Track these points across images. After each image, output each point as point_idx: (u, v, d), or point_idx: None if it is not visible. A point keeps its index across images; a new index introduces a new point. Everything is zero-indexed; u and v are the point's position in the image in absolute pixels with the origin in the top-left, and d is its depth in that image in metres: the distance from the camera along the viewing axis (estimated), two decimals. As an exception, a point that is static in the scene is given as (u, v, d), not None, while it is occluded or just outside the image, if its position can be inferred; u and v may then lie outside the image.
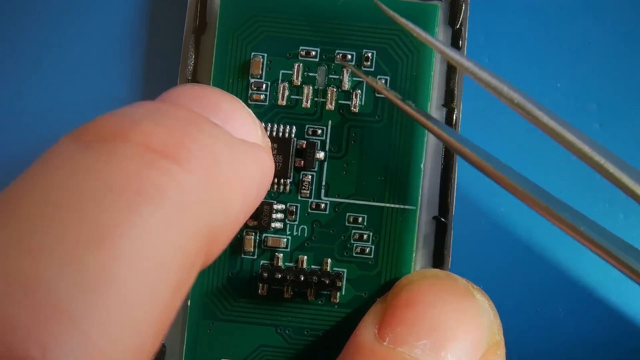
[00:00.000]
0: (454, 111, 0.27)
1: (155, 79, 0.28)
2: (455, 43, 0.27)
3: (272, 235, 0.27)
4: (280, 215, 0.27)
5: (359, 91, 0.27)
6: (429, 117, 0.25)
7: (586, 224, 0.22)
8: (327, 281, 0.26)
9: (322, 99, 0.27)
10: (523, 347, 0.28)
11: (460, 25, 0.27)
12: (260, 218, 0.26)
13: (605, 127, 0.28)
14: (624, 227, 0.28)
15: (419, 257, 0.27)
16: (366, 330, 0.24)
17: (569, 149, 0.22)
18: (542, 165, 0.28)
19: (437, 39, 0.24)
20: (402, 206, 0.27)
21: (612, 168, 0.22)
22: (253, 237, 0.27)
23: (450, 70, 0.27)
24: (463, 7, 0.27)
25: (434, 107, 0.27)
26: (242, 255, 0.27)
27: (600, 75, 0.28)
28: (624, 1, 0.28)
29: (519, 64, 0.28)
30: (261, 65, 0.27)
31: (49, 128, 0.28)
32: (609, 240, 0.22)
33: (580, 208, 0.27)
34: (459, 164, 0.27)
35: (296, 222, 0.27)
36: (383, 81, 0.26)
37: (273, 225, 0.26)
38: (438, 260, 0.27)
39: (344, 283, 0.26)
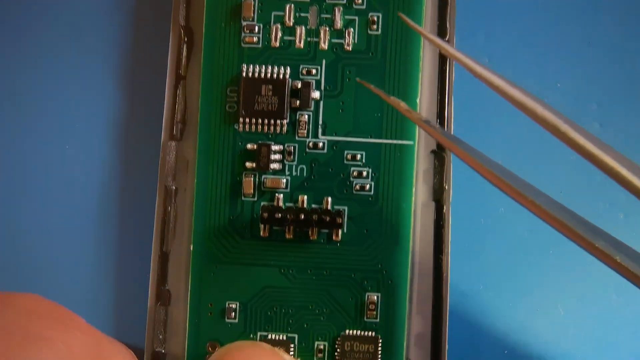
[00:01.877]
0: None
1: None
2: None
3: (271, 176, 0.27)
4: (278, 156, 0.27)
5: (352, 29, 0.27)
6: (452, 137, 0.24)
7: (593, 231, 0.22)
8: (328, 219, 0.26)
9: (315, 39, 0.27)
10: (523, 346, 0.28)
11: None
12: (258, 159, 0.26)
13: (605, 127, 0.28)
14: (624, 227, 0.28)
15: (418, 191, 0.27)
16: None
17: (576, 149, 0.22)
18: (542, 166, 0.28)
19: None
20: (399, 141, 0.27)
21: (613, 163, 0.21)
22: (252, 179, 0.27)
23: (442, 5, 0.27)
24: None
25: (427, 44, 0.27)
26: (242, 198, 0.27)
27: (600, 75, 0.28)
28: (624, 1, 0.28)
29: (519, 64, 0.28)
30: (253, 8, 0.27)
31: (40, 121, 0.28)
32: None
33: (580, 208, 0.27)
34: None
35: (294, 162, 0.27)
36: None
37: (271, 166, 0.27)
38: (438, 194, 0.27)
39: (345, 220, 0.26)
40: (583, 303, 0.28)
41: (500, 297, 0.28)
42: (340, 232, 0.26)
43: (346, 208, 0.27)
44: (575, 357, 0.27)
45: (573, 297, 0.28)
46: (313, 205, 0.27)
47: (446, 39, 0.27)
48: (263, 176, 0.27)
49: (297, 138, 0.27)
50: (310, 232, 0.26)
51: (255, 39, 0.27)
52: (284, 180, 0.27)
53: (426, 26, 0.27)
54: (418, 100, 0.27)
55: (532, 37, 0.28)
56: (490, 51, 0.28)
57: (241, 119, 0.26)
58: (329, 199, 0.27)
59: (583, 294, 0.28)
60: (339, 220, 0.26)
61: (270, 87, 0.26)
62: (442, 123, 0.27)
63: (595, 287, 0.28)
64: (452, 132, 0.27)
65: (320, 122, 0.27)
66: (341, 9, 0.27)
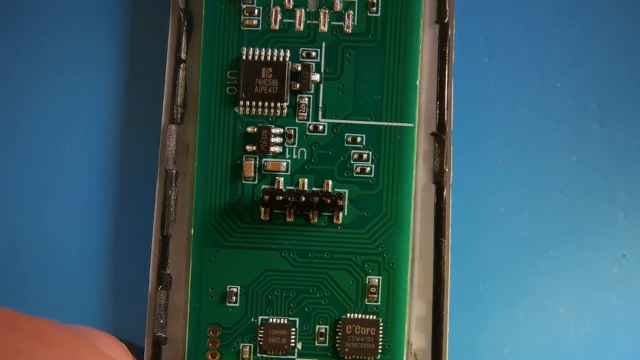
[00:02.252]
0: (448, 28, 0.27)
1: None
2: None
3: (272, 159, 0.27)
4: (278, 139, 0.27)
5: (351, 11, 0.27)
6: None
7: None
8: (329, 201, 0.26)
9: (314, 21, 0.27)
10: (523, 346, 0.28)
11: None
12: (258, 142, 0.26)
13: (605, 127, 0.28)
14: (624, 227, 0.28)
15: (419, 174, 0.27)
16: None
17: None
18: (542, 166, 0.28)
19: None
20: (399, 124, 0.27)
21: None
22: (253, 162, 0.27)
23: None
24: None
25: (427, 24, 0.27)
26: (243, 181, 0.27)
27: (600, 75, 0.28)
28: (624, 1, 0.28)
29: (519, 64, 0.28)
30: (252, -9, 0.27)
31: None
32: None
33: (580, 208, 0.28)
34: (455, 80, 0.27)
35: (295, 145, 0.27)
36: None
37: (272, 149, 0.26)
38: (439, 177, 0.27)
39: (346, 203, 0.26)
40: (583, 303, 0.27)
41: (500, 297, 0.28)
42: (341, 215, 0.26)
43: (347, 191, 0.27)
44: (575, 357, 0.27)
45: (573, 297, 0.27)
46: (314, 188, 0.27)
47: (445, 21, 0.27)
48: (263, 159, 0.27)
49: (297, 121, 0.27)
50: (311, 215, 0.26)
51: (255, 22, 0.27)
52: (285, 163, 0.27)
53: (425, 8, 0.27)
54: (418, 83, 0.26)
55: (532, 37, 0.28)
56: (490, 51, 0.28)
57: (241, 102, 0.26)
58: (330, 181, 0.27)
59: (583, 294, 0.28)
60: (340, 202, 0.26)
61: (270, 69, 0.26)
62: (442, 103, 0.27)
63: (595, 287, 0.28)
64: (452, 114, 0.27)
65: (321, 104, 0.27)
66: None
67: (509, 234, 0.28)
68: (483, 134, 0.28)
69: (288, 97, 0.26)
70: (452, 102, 0.27)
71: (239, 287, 0.27)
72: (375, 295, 0.26)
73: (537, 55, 0.28)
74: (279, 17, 0.27)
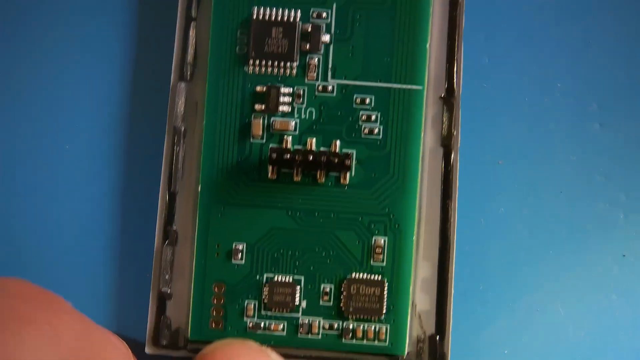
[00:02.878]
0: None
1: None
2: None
3: (280, 118, 0.27)
4: (287, 99, 0.27)
5: (363, -26, 0.27)
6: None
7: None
8: (336, 161, 0.26)
9: (326, -18, 0.27)
10: (523, 346, 0.28)
11: None
12: (267, 102, 0.26)
13: (605, 127, 0.28)
14: (624, 227, 0.28)
15: (427, 137, 0.27)
16: None
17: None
18: (542, 166, 0.28)
19: None
20: (408, 86, 0.27)
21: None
22: (261, 120, 0.27)
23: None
24: None
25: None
26: (251, 140, 0.27)
27: (600, 75, 0.28)
28: (624, 1, 0.28)
29: (519, 64, 0.28)
30: (264, -49, 0.27)
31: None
32: None
33: (580, 208, 0.28)
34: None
35: (304, 105, 0.27)
36: None
37: (281, 108, 0.27)
38: (447, 140, 0.27)
39: (354, 163, 0.27)
40: (583, 303, 0.28)
41: (500, 297, 0.28)
42: (348, 175, 0.26)
43: (354, 151, 0.27)
44: (575, 357, 0.27)
45: (573, 297, 0.28)
46: (322, 148, 0.27)
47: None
48: (272, 118, 0.27)
49: (306, 81, 0.27)
50: (318, 175, 0.26)
51: (266, -19, 0.27)
52: (293, 123, 0.27)
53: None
54: (428, 46, 0.27)
55: (532, 37, 0.28)
56: (490, 51, 0.28)
57: (251, 61, 0.27)
58: (338, 142, 0.27)
59: (583, 294, 0.28)
60: (347, 162, 0.26)
61: (281, 29, 0.26)
62: (452, 67, 0.27)
63: (595, 287, 0.28)
64: (461, 79, 0.27)
65: (330, 65, 0.27)
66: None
67: (509, 234, 0.28)
68: (483, 134, 0.28)
69: (298, 57, 0.27)
70: (462, 66, 0.27)
71: (244, 244, 0.27)
72: (381, 256, 0.27)
73: (537, 55, 0.28)
74: (291, -23, 0.27)
